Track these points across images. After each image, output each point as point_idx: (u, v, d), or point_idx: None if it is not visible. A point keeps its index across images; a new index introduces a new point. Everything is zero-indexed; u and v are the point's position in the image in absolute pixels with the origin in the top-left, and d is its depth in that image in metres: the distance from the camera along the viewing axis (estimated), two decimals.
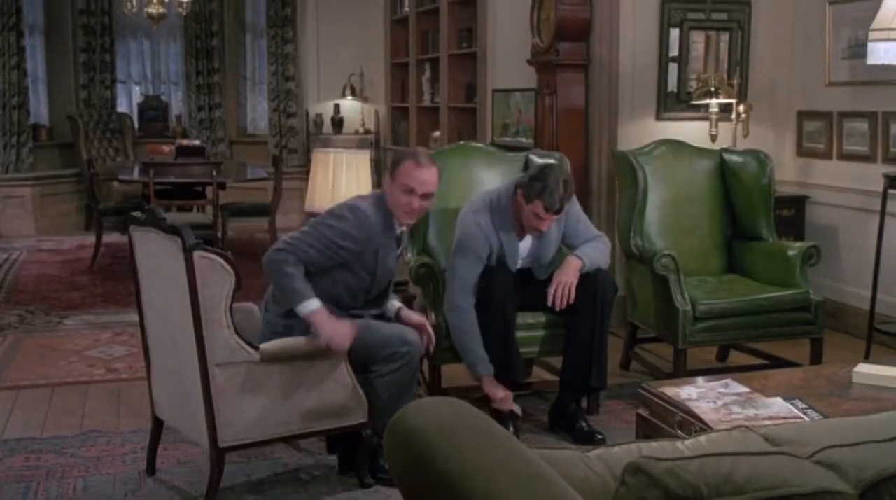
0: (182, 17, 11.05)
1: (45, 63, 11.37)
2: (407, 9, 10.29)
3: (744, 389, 3.47)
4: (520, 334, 4.35)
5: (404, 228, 3.91)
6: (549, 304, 4.22)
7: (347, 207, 3.77)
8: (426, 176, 3.77)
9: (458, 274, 4.25)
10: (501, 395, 4.21)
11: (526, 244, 4.39)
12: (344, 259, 3.73)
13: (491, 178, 4.82)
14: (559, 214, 4.19)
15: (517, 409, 4.24)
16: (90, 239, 9.00)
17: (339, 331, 3.58)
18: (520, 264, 4.40)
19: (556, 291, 4.20)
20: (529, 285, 4.32)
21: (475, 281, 4.22)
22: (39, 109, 11.37)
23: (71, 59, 11.38)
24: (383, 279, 3.88)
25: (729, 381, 3.58)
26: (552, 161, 4.84)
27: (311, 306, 3.60)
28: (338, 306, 3.74)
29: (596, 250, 4.36)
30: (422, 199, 3.78)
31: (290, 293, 3.64)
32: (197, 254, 3.33)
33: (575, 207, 4.40)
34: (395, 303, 4.02)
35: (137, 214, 3.73)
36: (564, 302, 4.21)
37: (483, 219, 4.24)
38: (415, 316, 3.99)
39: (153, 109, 11.95)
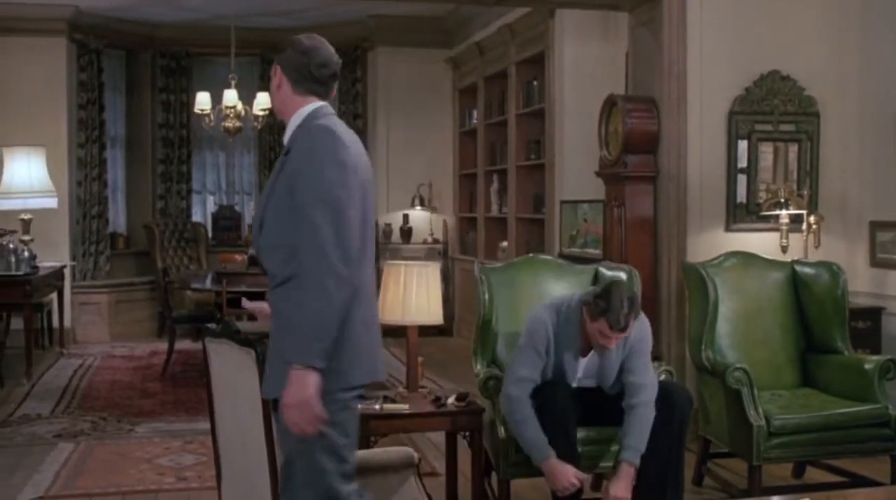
0: (256, 130, 11.38)
1: (124, 174, 11.78)
2: (475, 121, 10.50)
3: None
4: (589, 448, 4.29)
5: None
6: None
7: None
8: None
9: (513, 365, 4.25)
10: (570, 476, 4.05)
11: (590, 363, 4.32)
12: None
13: (560, 291, 4.81)
14: (624, 332, 4.11)
15: (583, 477, 4.13)
16: (162, 346, 9.15)
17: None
18: (579, 381, 4.33)
19: None
20: (597, 400, 4.28)
21: (532, 376, 4.19)
22: (118, 217, 11.73)
23: (149, 170, 11.80)
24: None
25: None
26: (621, 275, 4.84)
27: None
28: None
29: (641, 427, 4.15)
30: None
31: None
32: None
33: (644, 344, 4.31)
34: None
35: (212, 325, 3.79)
36: None
37: (550, 319, 4.24)
38: None
39: (226, 219, 12.24)
